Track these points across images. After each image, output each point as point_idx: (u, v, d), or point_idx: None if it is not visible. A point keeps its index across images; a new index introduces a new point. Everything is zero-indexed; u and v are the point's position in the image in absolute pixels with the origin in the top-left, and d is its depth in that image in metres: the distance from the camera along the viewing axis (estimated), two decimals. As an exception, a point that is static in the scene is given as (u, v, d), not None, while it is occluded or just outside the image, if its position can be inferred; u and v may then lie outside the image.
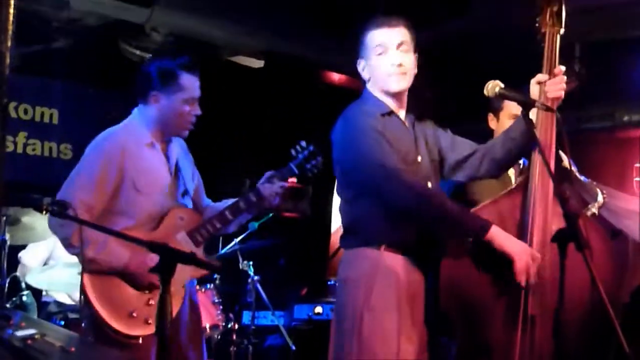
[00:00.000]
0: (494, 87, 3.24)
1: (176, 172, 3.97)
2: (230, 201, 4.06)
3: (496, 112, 4.43)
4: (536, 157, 3.38)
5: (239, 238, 6.25)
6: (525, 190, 3.40)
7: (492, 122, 4.49)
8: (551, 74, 3.46)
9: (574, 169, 4.26)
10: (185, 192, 3.99)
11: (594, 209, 4.59)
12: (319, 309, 7.03)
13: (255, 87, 7.75)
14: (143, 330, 3.67)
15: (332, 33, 6.98)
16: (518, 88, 3.43)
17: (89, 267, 3.62)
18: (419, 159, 3.54)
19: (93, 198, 3.68)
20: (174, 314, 3.70)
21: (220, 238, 6.26)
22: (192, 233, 3.88)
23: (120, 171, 3.73)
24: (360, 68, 3.59)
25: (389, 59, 3.46)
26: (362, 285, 3.38)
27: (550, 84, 3.44)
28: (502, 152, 3.54)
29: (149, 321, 3.68)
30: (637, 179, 7.79)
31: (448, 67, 7.18)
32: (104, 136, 3.85)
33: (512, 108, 4.17)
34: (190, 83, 3.89)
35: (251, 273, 6.13)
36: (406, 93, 3.59)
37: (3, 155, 1.31)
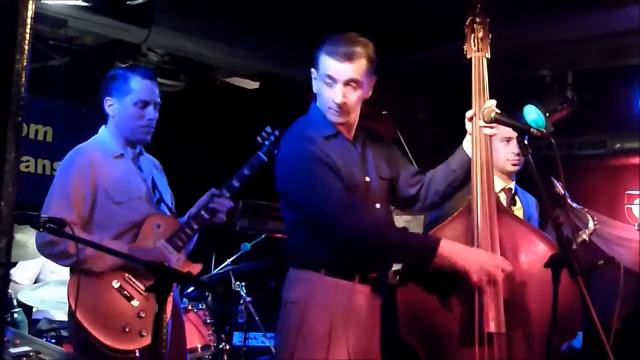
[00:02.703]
0: (489, 112, 3.26)
1: (152, 183, 3.98)
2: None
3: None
4: (476, 177, 3.37)
5: (231, 259, 6.26)
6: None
7: None
8: (482, 100, 3.41)
9: (565, 194, 4.29)
10: (161, 200, 3.99)
11: (585, 236, 4.62)
12: (309, 331, 7.01)
13: (249, 108, 7.78)
14: (139, 343, 3.68)
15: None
16: (512, 114, 3.46)
17: (92, 267, 3.64)
18: (367, 179, 3.46)
19: (72, 214, 3.67)
20: (166, 322, 3.70)
21: (213, 259, 6.27)
22: (171, 239, 3.88)
23: (92, 185, 3.74)
24: (313, 76, 3.48)
25: (333, 94, 3.36)
26: (297, 311, 3.35)
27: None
28: (444, 185, 3.55)
29: (143, 333, 3.68)
30: (628, 205, 7.84)
31: (441, 89, 7.23)
32: (72, 153, 3.86)
33: (503, 131, 4.19)
34: (141, 86, 3.88)
35: (243, 294, 6.12)
36: (355, 114, 3.50)
37: (15, 173, 1.33)
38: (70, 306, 3.66)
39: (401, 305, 3.34)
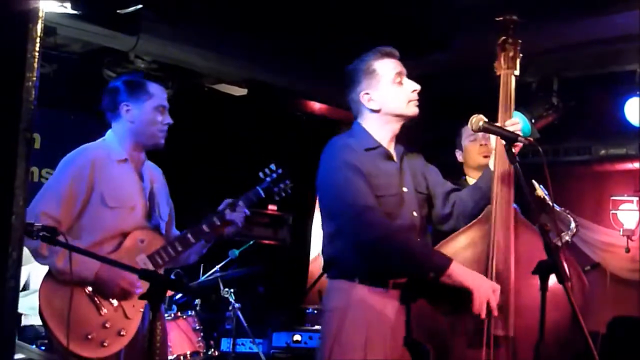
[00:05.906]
0: (477, 121, 3.29)
1: (150, 193, 3.96)
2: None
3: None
4: (496, 188, 3.42)
5: (220, 265, 6.26)
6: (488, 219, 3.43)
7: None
8: (508, 114, 3.50)
9: (547, 197, 4.34)
10: (153, 213, 3.96)
11: (567, 237, 4.69)
12: (297, 337, 7.03)
13: (237, 114, 7.80)
14: (98, 353, 3.65)
15: (313, 63, 7.07)
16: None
17: (60, 277, 3.62)
18: (404, 189, 3.55)
19: (59, 212, 3.66)
20: (130, 337, 3.73)
21: (201, 265, 6.28)
22: (153, 255, 3.84)
23: (90, 185, 3.73)
24: (364, 100, 3.57)
25: (409, 86, 3.57)
26: (335, 319, 3.46)
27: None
28: (472, 203, 3.59)
29: (105, 344, 3.65)
30: (613, 211, 7.90)
31: (428, 99, 7.26)
32: (76, 152, 3.86)
33: (469, 131, 4.18)
34: (159, 91, 3.95)
35: (232, 300, 6.13)
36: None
37: (25, 187, 1.34)
38: (39, 306, 3.65)
39: (415, 306, 3.31)
